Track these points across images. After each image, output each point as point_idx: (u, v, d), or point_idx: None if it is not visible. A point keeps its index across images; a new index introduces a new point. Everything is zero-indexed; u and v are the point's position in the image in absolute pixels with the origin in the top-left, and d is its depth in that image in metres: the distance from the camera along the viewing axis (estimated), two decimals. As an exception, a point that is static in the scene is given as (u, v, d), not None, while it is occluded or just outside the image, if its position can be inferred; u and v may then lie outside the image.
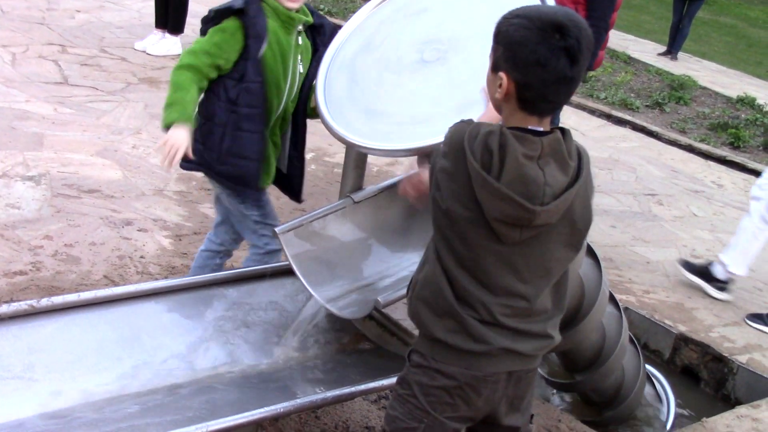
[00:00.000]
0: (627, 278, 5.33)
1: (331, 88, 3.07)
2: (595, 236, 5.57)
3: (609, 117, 9.42)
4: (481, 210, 2.15)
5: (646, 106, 10.21)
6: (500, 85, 2.15)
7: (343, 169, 3.38)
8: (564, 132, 2.20)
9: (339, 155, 5.40)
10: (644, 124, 9.34)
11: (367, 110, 2.97)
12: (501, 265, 2.22)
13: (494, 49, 2.19)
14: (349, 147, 3.14)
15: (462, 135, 2.16)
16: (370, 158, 5.08)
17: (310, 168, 5.89)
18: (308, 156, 6.08)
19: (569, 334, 3.32)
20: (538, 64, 2.10)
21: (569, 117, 8.70)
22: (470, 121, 2.24)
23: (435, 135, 2.66)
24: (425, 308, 2.30)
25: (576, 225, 2.26)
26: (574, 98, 8.85)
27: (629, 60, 12.26)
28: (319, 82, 3.09)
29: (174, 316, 3.17)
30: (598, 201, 6.59)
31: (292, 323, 3.28)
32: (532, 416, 2.54)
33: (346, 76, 3.09)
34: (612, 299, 3.72)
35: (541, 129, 2.18)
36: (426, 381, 2.33)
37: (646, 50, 13.49)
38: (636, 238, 6.06)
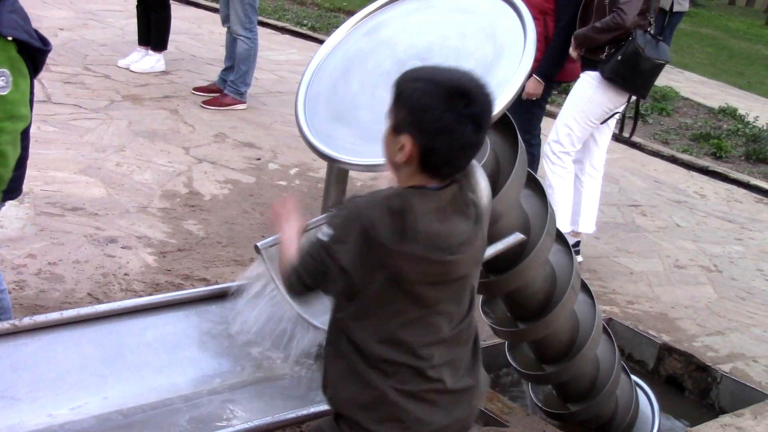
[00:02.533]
0: (611, 289, 5.35)
1: (311, 104, 3.08)
2: (581, 246, 5.60)
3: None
4: (395, 280, 2.08)
5: (629, 117, 10.24)
6: (401, 149, 2.07)
7: (325, 184, 3.40)
8: (461, 184, 2.15)
9: (322, 170, 5.42)
10: (625, 134, 9.36)
11: (347, 125, 2.99)
12: (426, 329, 2.16)
13: (395, 111, 2.09)
14: (330, 162, 3.15)
15: (359, 212, 2.08)
16: (354, 173, 5.10)
17: (293, 183, 5.91)
18: (292, 171, 6.12)
19: (544, 322, 3.30)
20: (445, 131, 2.03)
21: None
22: (352, 198, 2.18)
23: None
24: (353, 407, 2.20)
25: (481, 260, 2.28)
26: (558, 109, 8.88)
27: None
28: (299, 98, 3.10)
29: (158, 333, 3.16)
30: (582, 212, 6.62)
31: (275, 338, 3.27)
32: None
33: (326, 92, 3.11)
34: (584, 286, 3.70)
35: (440, 186, 2.11)
36: None
37: (629, 62, 13.58)
38: (619, 249, 6.09)
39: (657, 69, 5.25)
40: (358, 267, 2.08)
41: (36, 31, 3.00)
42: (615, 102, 5.31)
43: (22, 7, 2.98)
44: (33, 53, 2.90)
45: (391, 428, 2.16)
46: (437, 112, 2.02)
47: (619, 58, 5.08)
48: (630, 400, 4.01)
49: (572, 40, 5.26)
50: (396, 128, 2.08)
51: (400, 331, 2.13)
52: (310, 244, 2.20)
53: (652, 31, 5.26)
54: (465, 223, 2.14)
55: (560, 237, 3.55)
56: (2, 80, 2.74)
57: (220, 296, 3.34)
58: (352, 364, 2.18)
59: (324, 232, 2.13)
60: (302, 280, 2.18)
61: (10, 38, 2.74)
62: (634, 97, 5.42)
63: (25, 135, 2.98)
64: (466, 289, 2.22)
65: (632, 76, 5.10)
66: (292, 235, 2.34)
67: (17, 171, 2.95)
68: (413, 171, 2.10)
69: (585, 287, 3.72)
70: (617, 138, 9.27)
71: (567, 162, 5.42)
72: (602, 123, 5.40)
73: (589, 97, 5.27)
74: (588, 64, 5.29)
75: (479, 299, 3.60)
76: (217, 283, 3.93)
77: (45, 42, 2.97)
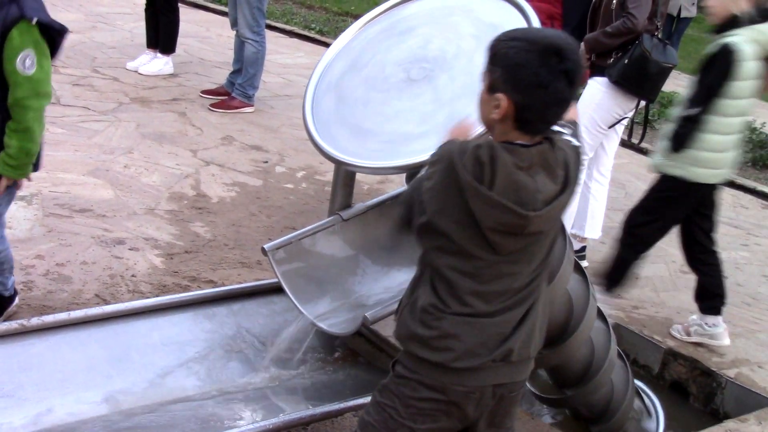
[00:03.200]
0: (616, 294, 5.34)
1: (318, 107, 3.09)
2: (587, 251, 5.59)
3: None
4: (474, 222, 2.18)
5: (636, 122, 10.24)
6: (497, 106, 2.18)
7: (332, 187, 3.40)
8: (553, 142, 2.24)
9: (330, 173, 5.42)
10: (634, 140, 9.36)
11: (354, 128, 3.00)
12: (495, 275, 2.26)
13: (490, 71, 2.21)
14: (338, 165, 3.16)
15: (451, 152, 2.19)
16: (361, 176, 5.11)
17: (300, 186, 5.92)
18: (299, 174, 6.12)
19: (558, 350, 3.34)
20: (540, 86, 2.14)
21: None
22: (454, 140, 2.27)
23: (423, 152, 2.69)
24: (414, 327, 2.32)
25: (558, 222, 2.35)
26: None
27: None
28: (307, 101, 3.12)
29: (165, 334, 3.19)
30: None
31: (281, 340, 3.29)
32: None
33: (333, 95, 3.13)
34: (600, 314, 3.73)
35: (530, 143, 2.21)
36: (408, 392, 2.35)
37: (636, 68, 13.56)
38: (625, 254, 6.07)
39: (664, 72, 5.25)
40: (436, 202, 2.21)
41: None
42: (624, 107, 5.30)
43: None
44: (53, 35, 3.07)
45: (442, 356, 2.28)
46: (532, 68, 2.13)
47: (626, 61, 5.08)
48: (626, 386, 3.95)
49: (582, 45, 5.24)
50: (491, 87, 2.21)
51: (470, 275, 2.25)
52: (416, 178, 2.36)
53: (659, 35, 5.25)
54: (550, 182, 2.23)
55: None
56: (29, 60, 3.01)
57: (227, 298, 3.36)
58: (423, 296, 2.31)
59: (424, 169, 2.30)
60: (405, 208, 2.36)
61: (34, 22, 2.99)
62: (642, 103, 5.41)
63: None
64: (542, 247, 2.31)
65: (640, 80, 5.09)
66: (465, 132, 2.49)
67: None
68: (507, 128, 2.21)
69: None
70: (625, 143, 9.30)
71: (582, 175, 5.43)
72: (610, 128, 5.40)
73: (598, 102, 5.26)
74: (596, 70, 5.29)
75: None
76: (223, 285, 3.93)
77: (62, 25, 3.21)
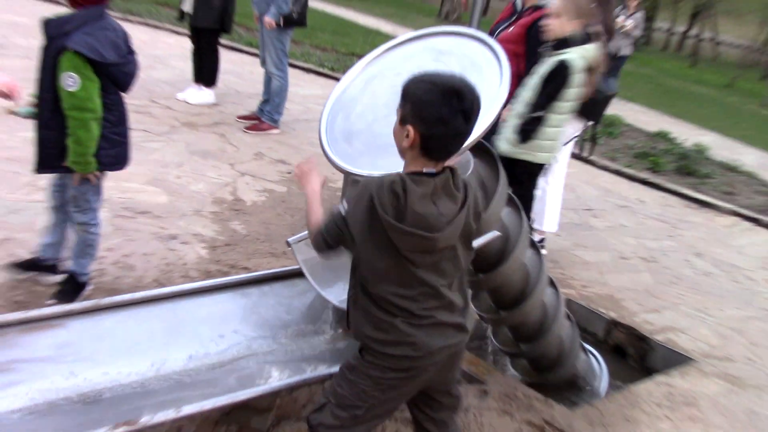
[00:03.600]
0: (569, 276, 5.35)
1: (330, 127, 3.08)
2: (546, 242, 5.60)
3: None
4: (394, 247, 2.16)
5: (584, 140, 10.22)
6: (407, 136, 2.14)
7: (341, 193, 3.39)
8: (453, 170, 2.21)
9: (340, 182, 5.43)
10: (585, 154, 9.37)
11: (359, 143, 2.98)
12: (418, 280, 2.23)
13: (402, 106, 2.16)
14: (345, 174, 3.15)
15: (370, 190, 2.15)
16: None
17: (317, 192, 5.90)
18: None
19: (497, 272, 3.29)
20: (441, 122, 2.10)
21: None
22: (365, 179, 2.24)
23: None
24: (364, 325, 2.29)
25: (470, 237, 2.30)
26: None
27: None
28: (322, 124, 3.10)
29: (210, 311, 3.17)
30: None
31: (302, 315, 3.28)
32: (459, 381, 2.55)
33: (342, 118, 3.11)
34: (552, 284, 3.69)
35: (434, 171, 2.18)
36: (377, 374, 2.30)
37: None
38: (576, 244, 6.08)
39: (608, 100, 5.26)
40: (365, 234, 2.18)
41: (128, 52, 3.38)
42: (576, 128, 5.31)
43: (114, 30, 3.28)
44: (105, 66, 3.21)
45: (403, 350, 2.25)
46: (435, 106, 2.09)
47: None
48: (572, 344, 3.91)
49: None
50: (403, 120, 2.16)
51: (401, 284, 2.22)
52: (332, 214, 2.29)
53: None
54: (451, 204, 2.20)
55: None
56: (71, 80, 3.08)
57: (259, 281, 3.35)
58: (367, 308, 2.27)
59: (343, 205, 2.25)
60: (327, 242, 2.31)
61: (73, 51, 3.10)
62: (589, 123, 5.42)
63: (117, 121, 3.49)
64: (457, 255, 2.27)
65: (590, 107, 5.10)
66: (316, 190, 2.49)
67: (114, 149, 3.48)
68: (415, 155, 2.18)
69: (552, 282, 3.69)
70: (577, 156, 9.29)
71: (541, 181, 5.42)
72: (565, 144, 5.39)
73: None
74: None
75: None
76: (256, 270, 3.93)
77: (123, 57, 3.33)
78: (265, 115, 7.38)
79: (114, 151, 3.45)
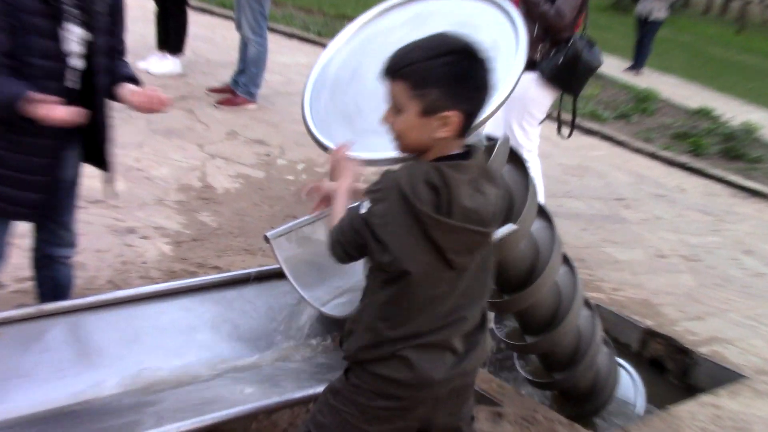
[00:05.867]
0: (597, 277, 5.32)
1: (316, 102, 3.04)
2: (567, 238, 5.55)
3: (579, 127, 9.42)
4: (431, 246, 2.06)
5: (614, 117, 10.23)
6: (444, 124, 2.03)
7: (329, 177, 3.34)
8: (478, 150, 2.14)
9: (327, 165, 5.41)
10: (612, 133, 9.36)
11: (349, 122, 2.94)
12: (448, 290, 2.14)
13: (421, 95, 2.01)
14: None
15: (399, 184, 2.03)
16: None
17: (301, 177, 5.87)
18: (299, 167, 6.07)
19: (526, 293, 3.26)
20: (480, 88, 2.05)
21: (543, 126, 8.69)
22: (387, 172, 2.12)
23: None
24: (363, 346, 2.21)
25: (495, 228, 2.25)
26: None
27: (597, 75, 12.27)
28: (306, 98, 3.06)
29: (173, 318, 3.14)
30: (571, 205, 6.59)
31: (282, 323, 3.26)
32: (473, 417, 2.42)
33: (329, 91, 3.07)
34: (586, 302, 3.68)
35: (459, 151, 2.10)
36: (363, 401, 2.22)
37: (613, 66, 13.53)
38: (605, 239, 6.06)
39: (592, 71, 5.17)
40: (397, 237, 2.05)
41: None
42: (552, 100, 5.30)
43: None
44: None
45: (393, 370, 2.16)
46: (471, 74, 2.02)
47: (561, 61, 4.98)
48: (609, 371, 3.93)
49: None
50: (430, 110, 2.02)
51: (434, 300, 2.13)
52: (351, 217, 2.17)
53: (587, 35, 5.13)
54: (495, 188, 2.13)
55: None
56: None
57: (232, 283, 3.33)
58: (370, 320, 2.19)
59: (364, 206, 2.10)
60: (344, 249, 2.19)
61: None
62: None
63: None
64: (488, 252, 2.21)
65: (570, 78, 5.04)
66: (344, 186, 2.34)
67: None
68: (449, 140, 2.07)
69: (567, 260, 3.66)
70: (602, 137, 9.28)
71: (533, 157, 5.37)
72: (541, 122, 5.35)
73: (533, 98, 5.15)
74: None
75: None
76: (229, 270, 3.90)
77: None
78: (240, 88, 7.34)
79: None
